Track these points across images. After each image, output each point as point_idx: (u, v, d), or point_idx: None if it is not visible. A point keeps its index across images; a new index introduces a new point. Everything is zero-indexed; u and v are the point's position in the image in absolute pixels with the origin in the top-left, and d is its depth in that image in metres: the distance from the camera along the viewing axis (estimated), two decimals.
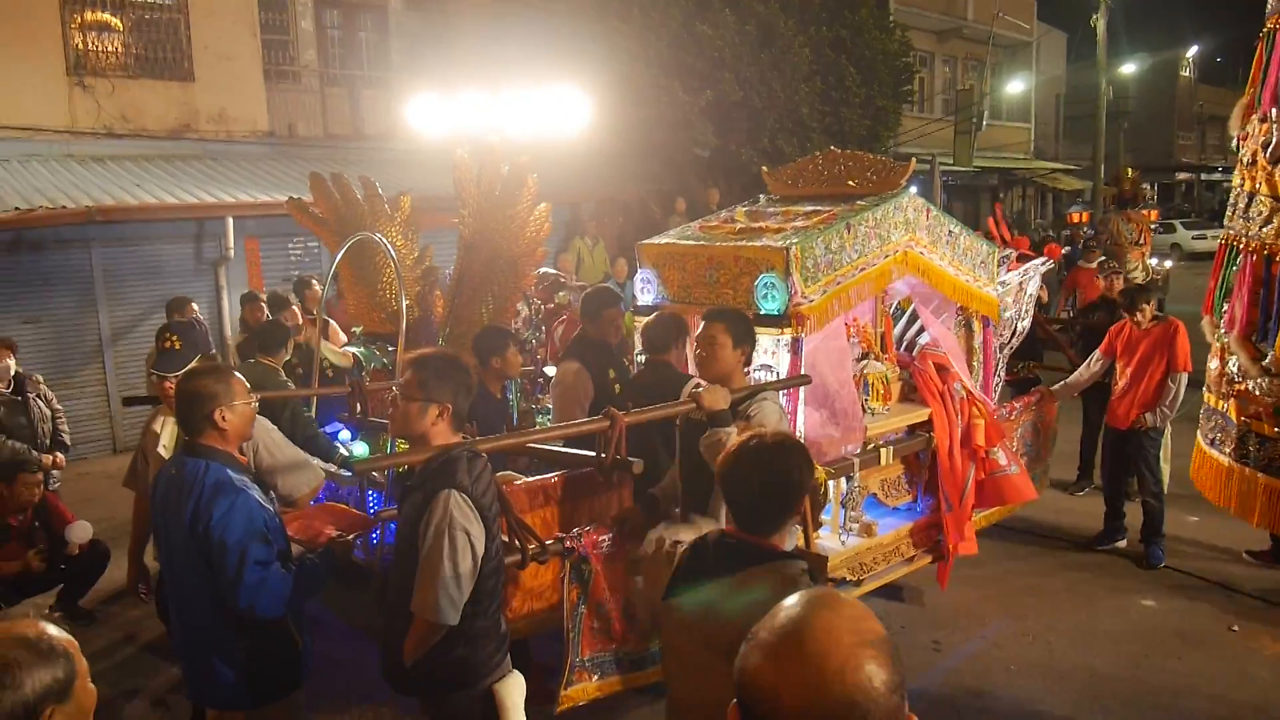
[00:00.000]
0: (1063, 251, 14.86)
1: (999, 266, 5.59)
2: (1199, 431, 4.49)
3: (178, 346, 4.14)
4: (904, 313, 5.84)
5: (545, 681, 3.87)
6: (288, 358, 5.38)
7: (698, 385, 3.78)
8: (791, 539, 2.34)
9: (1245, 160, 3.98)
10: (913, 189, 5.03)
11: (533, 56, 11.05)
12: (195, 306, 8.30)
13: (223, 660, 2.99)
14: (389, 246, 5.36)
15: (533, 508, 3.92)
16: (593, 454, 3.61)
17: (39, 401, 6.67)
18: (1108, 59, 24.30)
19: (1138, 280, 9.32)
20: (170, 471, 3.07)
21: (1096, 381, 6.40)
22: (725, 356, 3.65)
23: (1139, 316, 6.05)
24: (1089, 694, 4.61)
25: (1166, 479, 6.30)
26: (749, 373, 3.94)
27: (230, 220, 10.29)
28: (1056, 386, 6.39)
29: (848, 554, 4.72)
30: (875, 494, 5.01)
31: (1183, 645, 5.04)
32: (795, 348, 4.24)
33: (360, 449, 5.12)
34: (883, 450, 4.84)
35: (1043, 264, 6.42)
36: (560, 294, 8.14)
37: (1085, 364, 6.46)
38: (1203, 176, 45.77)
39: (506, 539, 3.16)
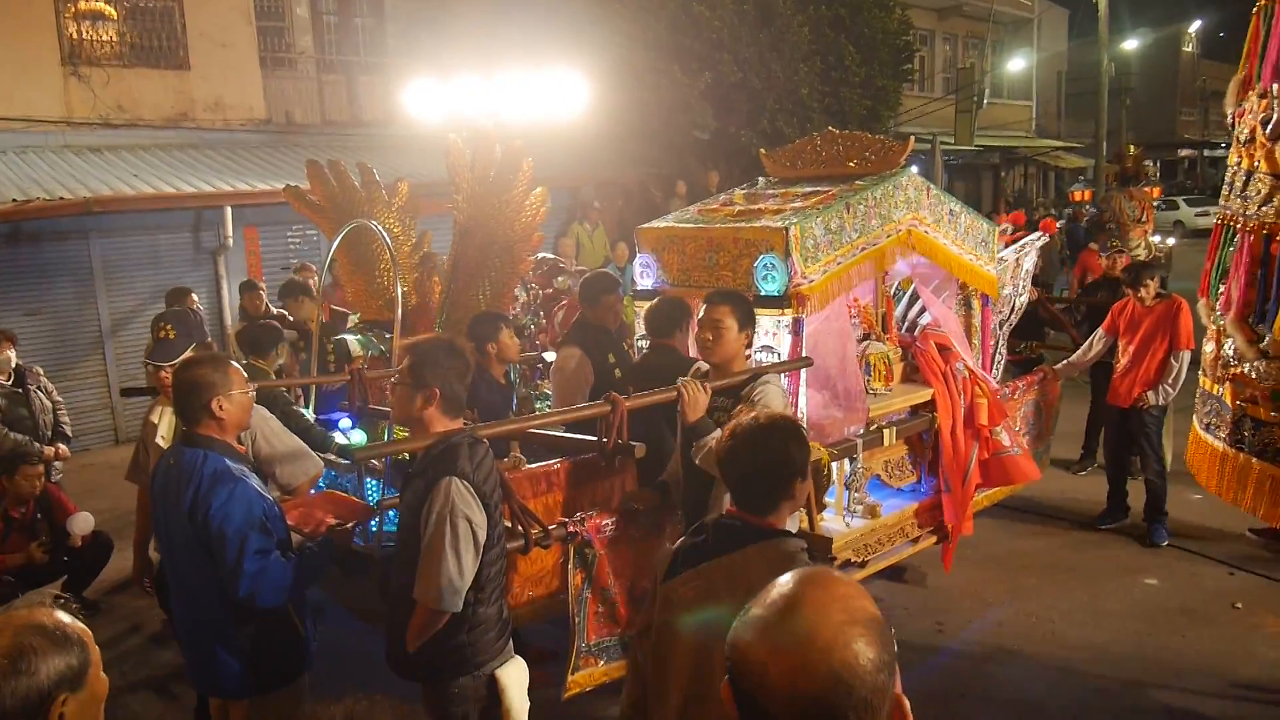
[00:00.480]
0: (1058, 225, 14.82)
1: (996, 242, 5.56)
2: (1194, 416, 4.43)
3: (172, 336, 4.11)
4: (905, 293, 5.81)
5: (540, 666, 3.87)
6: (280, 360, 5.36)
7: (703, 370, 3.77)
8: (793, 522, 2.35)
9: (1242, 138, 3.90)
10: (913, 168, 4.99)
11: (530, 40, 10.97)
12: (195, 297, 8.27)
13: (225, 649, 2.99)
14: (384, 233, 5.33)
15: (535, 494, 3.91)
16: (594, 439, 3.60)
17: (40, 393, 6.66)
18: (1109, 35, 24.10)
19: (1140, 258, 9.26)
20: (168, 461, 3.06)
21: (1102, 360, 6.37)
22: (732, 339, 3.64)
23: (1143, 293, 6.02)
24: (1093, 673, 4.61)
25: (1169, 457, 6.29)
26: (750, 355, 3.92)
27: (228, 209, 10.26)
28: (1059, 365, 6.37)
29: (852, 535, 4.72)
30: (879, 475, 5.00)
31: (1187, 623, 5.04)
32: (796, 328, 4.22)
33: (358, 437, 5.11)
34: (886, 431, 4.82)
35: (1039, 239, 6.39)
36: (559, 279, 8.12)
37: (1087, 343, 6.44)
38: (1205, 153, 45.54)
39: (509, 524, 3.15)
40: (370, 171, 6.22)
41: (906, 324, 5.73)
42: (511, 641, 3.03)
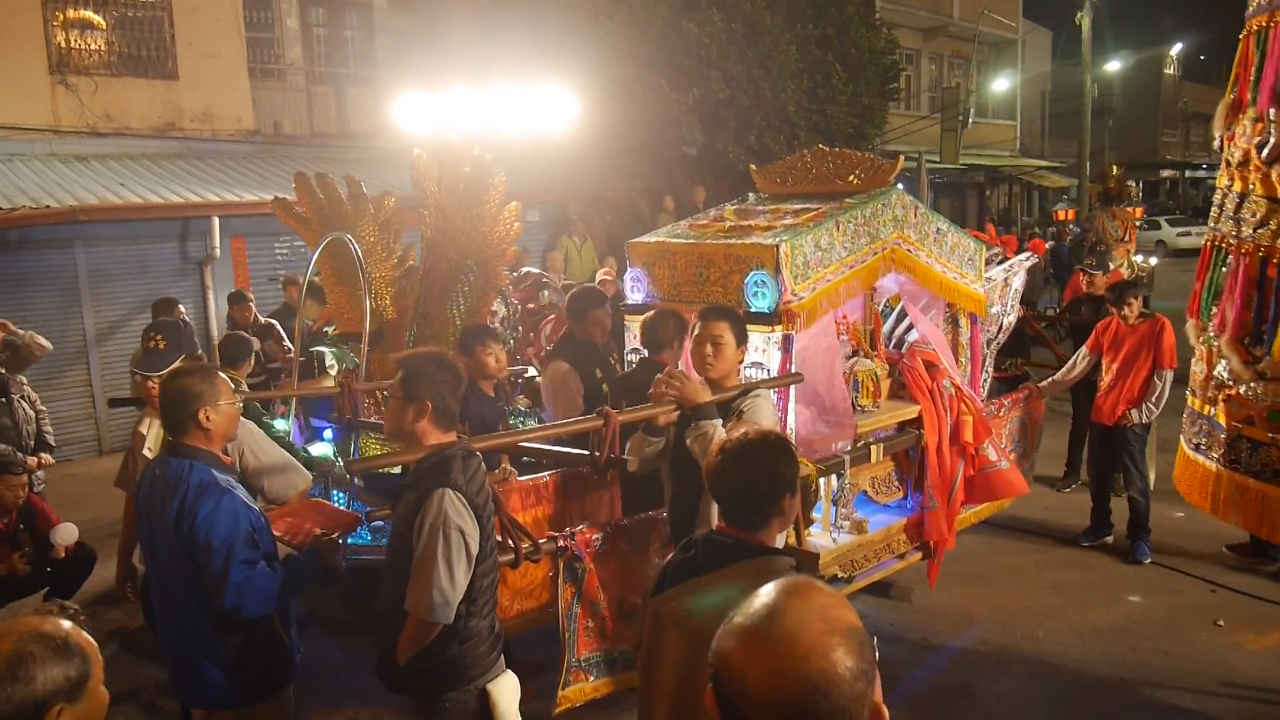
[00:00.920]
0: (1047, 246, 14.94)
1: (987, 263, 5.61)
2: (1182, 436, 4.45)
3: (162, 346, 4.10)
4: (893, 310, 5.85)
5: (524, 680, 3.87)
6: (250, 369, 5.35)
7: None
8: (781, 537, 2.36)
9: (1234, 160, 3.92)
10: (899, 186, 5.03)
11: (519, 54, 11.03)
12: (182, 309, 8.23)
13: (209, 660, 2.98)
14: (355, 247, 5.30)
15: (524, 507, 3.92)
16: (585, 453, 3.60)
17: (23, 403, 6.59)
18: (1092, 57, 24.40)
19: (1124, 276, 9.35)
20: (154, 471, 3.05)
21: (1085, 378, 6.43)
22: (731, 355, 3.65)
23: (1126, 311, 6.08)
24: (1076, 689, 4.63)
25: (1152, 475, 6.34)
26: (740, 370, 3.94)
27: (216, 219, 10.23)
28: (1044, 383, 6.42)
29: (839, 551, 4.73)
30: (866, 491, 5.02)
31: (1169, 640, 5.07)
32: (786, 345, 4.24)
33: (319, 450, 5.08)
34: (873, 447, 4.84)
35: (1027, 259, 6.45)
36: (545, 293, 8.12)
37: (1071, 361, 6.50)
38: (1187, 173, 46.08)
39: (500, 538, 3.15)
40: (358, 185, 6.21)
41: (894, 341, 5.76)
42: (503, 656, 3.02)
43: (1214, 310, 4.11)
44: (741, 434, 2.38)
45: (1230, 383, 3.97)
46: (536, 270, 9.15)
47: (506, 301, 6.99)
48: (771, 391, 3.94)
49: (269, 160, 12.16)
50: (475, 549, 2.75)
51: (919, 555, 5.17)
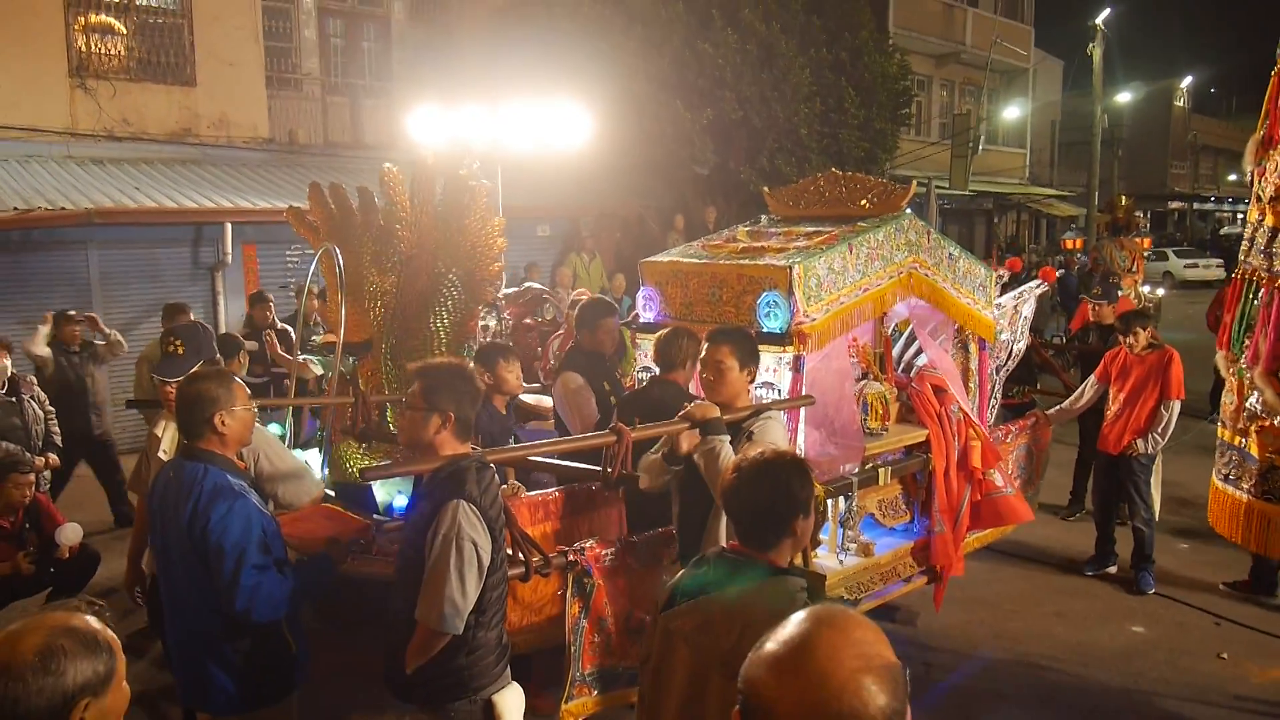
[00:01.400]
0: (1057, 275, 14.99)
1: (995, 289, 5.63)
2: (1214, 468, 4.47)
3: (180, 351, 4.11)
4: (902, 334, 5.87)
5: (537, 694, 3.88)
6: (236, 367, 5.39)
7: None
8: (790, 557, 2.37)
9: (1265, 196, 3.97)
10: (909, 211, 5.07)
11: (534, 70, 11.09)
12: (192, 315, 8.25)
13: (216, 664, 2.98)
14: (339, 259, 5.31)
15: (532, 521, 3.93)
16: (596, 469, 3.61)
17: (33, 403, 6.64)
18: (1103, 88, 24.54)
19: (1133, 306, 9.37)
20: (168, 474, 3.07)
21: (1093, 408, 6.43)
22: (733, 380, 3.62)
23: (1132, 340, 6.09)
24: (1079, 717, 4.61)
25: (1157, 505, 6.33)
26: (750, 390, 3.95)
27: (228, 226, 10.30)
28: (1051, 411, 6.42)
29: (845, 573, 4.73)
30: (873, 514, 5.03)
31: (1172, 671, 5.05)
32: (797, 366, 4.26)
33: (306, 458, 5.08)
34: (881, 470, 4.85)
35: (1037, 286, 6.47)
36: (546, 308, 8.12)
37: (1079, 390, 6.50)
38: (1195, 205, 46.17)
39: (510, 551, 3.16)
40: (370, 195, 6.24)
41: (903, 365, 5.78)
42: (509, 668, 3.03)
43: (1246, 343, 4.14)
44: (759, 453, 2.38)
45: (1263, 414, 4.00)
46: (539, 285, 9.16)
47: (499, 316, 7.00)
48: (782, 413, 3.95)
49: (282, 168, 12.24)
50: (487, 561, 2.77)
51: (925, 579, 5.17)
